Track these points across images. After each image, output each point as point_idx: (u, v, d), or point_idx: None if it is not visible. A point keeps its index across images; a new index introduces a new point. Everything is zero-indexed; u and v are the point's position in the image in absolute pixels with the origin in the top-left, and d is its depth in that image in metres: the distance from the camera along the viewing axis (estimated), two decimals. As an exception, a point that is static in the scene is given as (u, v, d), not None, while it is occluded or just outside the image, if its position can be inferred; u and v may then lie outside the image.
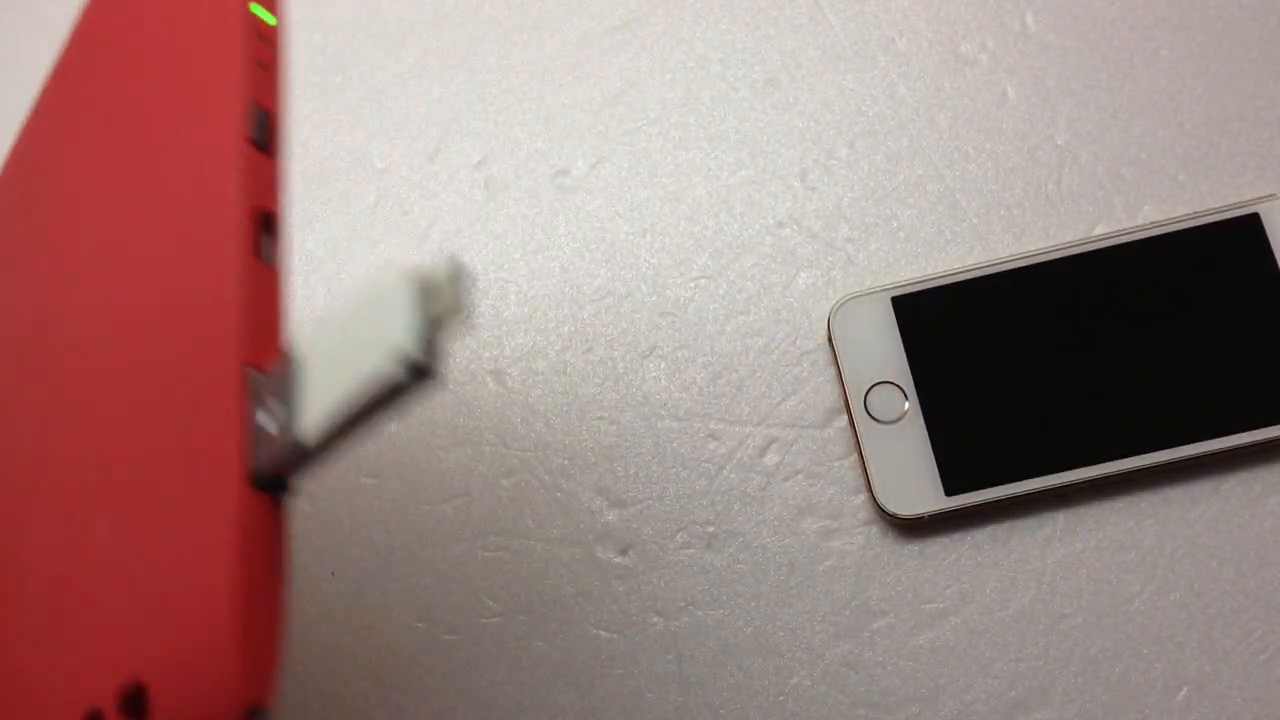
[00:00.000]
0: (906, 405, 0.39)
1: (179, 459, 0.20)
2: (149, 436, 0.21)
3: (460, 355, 0.42)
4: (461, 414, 0.42)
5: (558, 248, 0.43)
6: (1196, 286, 0.39)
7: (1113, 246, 0.40)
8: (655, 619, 0.39)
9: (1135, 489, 0.39)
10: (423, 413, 0.42)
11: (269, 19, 0.23)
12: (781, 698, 0.38)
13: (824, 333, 0.41)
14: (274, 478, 0.19)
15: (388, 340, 0.18)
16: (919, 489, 0.38)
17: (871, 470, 0.39)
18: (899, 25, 0.45)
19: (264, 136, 0.22)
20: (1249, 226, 0.40)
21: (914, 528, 0.39)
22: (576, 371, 0.42)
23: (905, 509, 0.38)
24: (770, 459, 0.40)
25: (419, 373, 0.18)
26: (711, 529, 0.39)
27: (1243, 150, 0.42)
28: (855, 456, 0.40)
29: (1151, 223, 0.40)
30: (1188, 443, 0.38)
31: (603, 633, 0.39)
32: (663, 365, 0.41)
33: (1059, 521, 0.39)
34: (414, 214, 0.44)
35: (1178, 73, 0.44)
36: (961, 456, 0.38)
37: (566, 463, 0.41)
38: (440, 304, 0.18)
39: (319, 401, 0.19)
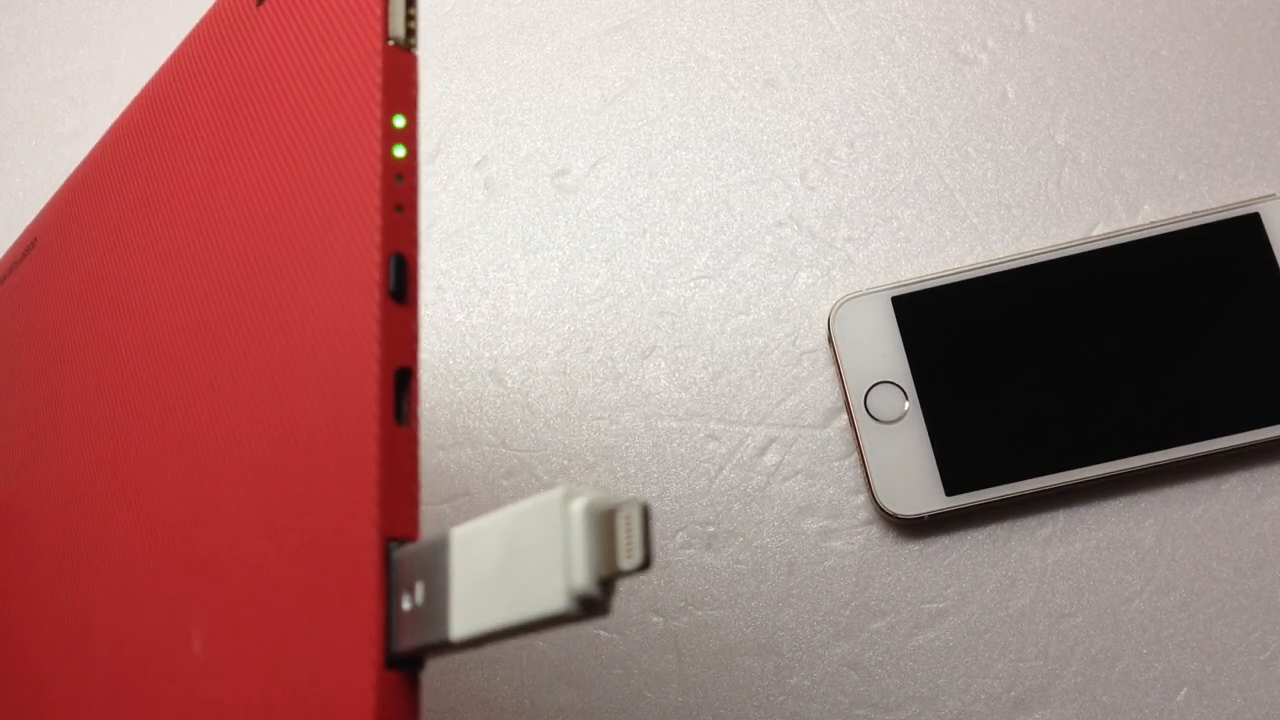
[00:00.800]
0: (907, 405, 0.39)
1: (302, 615, 0.20)
2: (265, 577, 0.21)
3: (460, 355, 0.42)
4: (461, 414, 0.42)
5: (557, 248, 0.43)
6: (1196, 286, 0.39)
7: (1113, 246, 0.40)
8: (655, 619, 0.39)
9: (1135, 489, 0.39)
10: (423, 413, 0.42)
11: (405, 153, 0.22)
12: (781, 698, 0.38)
13: (824, 332, 0.41)
14: (408, 658, 0.19)
15: (565, 577, 0.17)
16: (919, 489, 0.38)
17: (872, 470, 0.39)
18: (899, 25, 0.45)
19: (401, 286, 0.21)
20: (1249, 226, 0.40)
21: (914, 527, 0.39)
22: (576, 371, 0.42)
23: (906, 509, 0.38)
24: (770, 459, 0.40)
25: (592, 611, 0.17)
26: (711, 529, 0.39)
27: (1243, 150, 0.42)
28: (855, 456, 0.40)
29: (1151, 223, 0.40)
30: (1188, 443, 0.38)
31: (603, 633, 0.39)
32: (663, 365, 0.41)
33: (1059, 521, 0.39)
34: (414, 214, 0.44)
35: (1178, 73, 0.43)
36: (962, 456, 0.38)
37: (566, 463, 0.41)
38: (622, 555, 0.17)
39: (474, 607, 0.18)
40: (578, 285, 0.42)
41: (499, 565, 0.18)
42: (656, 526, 0.40)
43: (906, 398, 0.39)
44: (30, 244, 0.34)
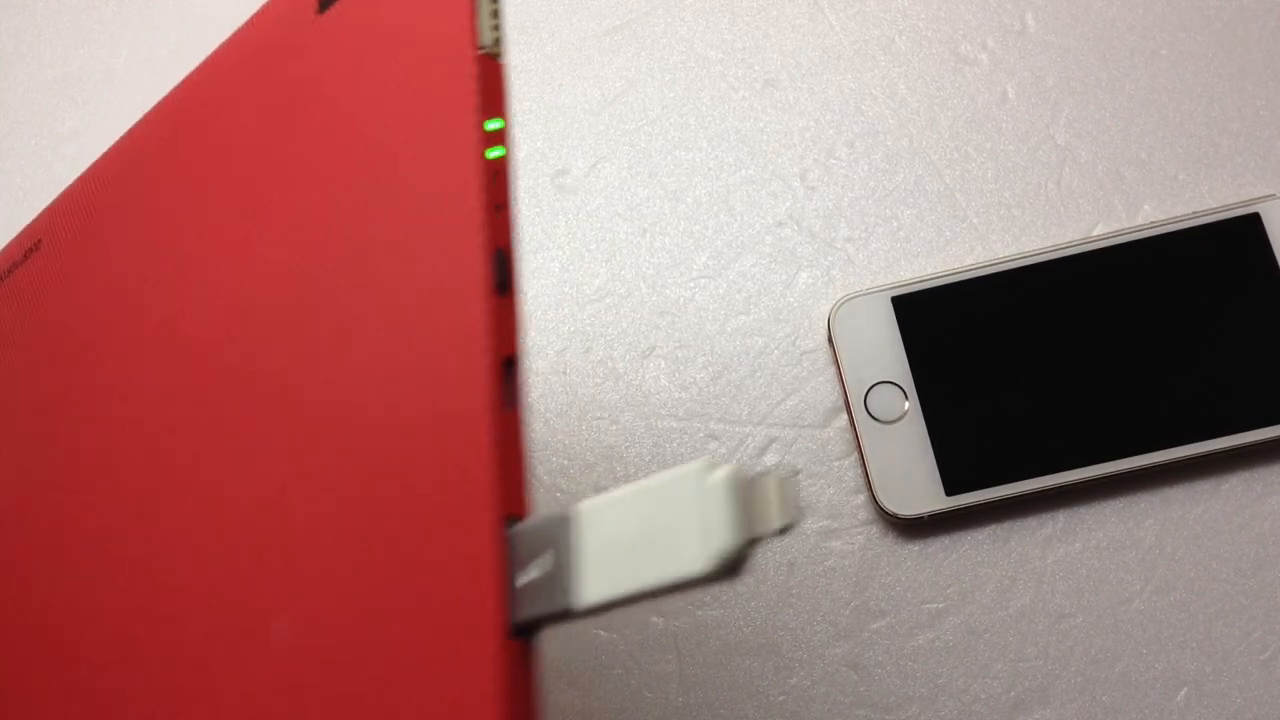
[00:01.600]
0: (907, 405, 0.39)
1: (418, 593, 0.20)
2: (371, 560, 0.21)
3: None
4: (461, 414, 0.41)
5: (558, 248, 0.43)
6: (1196, 286, 0.39)
7: (1113, 246, 0.40)
8: (655, 619, 0.39)
9: (1135, 489, 0.39)
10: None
11: (501, 153, 0.23)
12: (781, 698, 0.38)
13: (824, 332, 0.41)
14: (528, 627, 0.19)
15: (708, 539, 0.18)
16: (920, 489, 0.38)
17: (872, 470, 0.38)
18: (899, 25, 0.45)
19: (505, 279, 0.22)
20: (1249, 226, 0.40)
21: (914, 528, 0.39)
22: (576, 371, 0.42)
23: (906, 509, 0.38)
24: (770, 459, 0.40)
25: (730, 573, 0.18)
26: (711, 529, 0.39)
27: (1243, 150, 0.42)
28: (855, 456, 0.40)
29: (1151, 222, 0.40)
30: (1187, 443, 0.38)
31: (602, 633, 0.39)
32: (663, 365, 0.41)
33: (1059, 521, 0.39)
34: (414, 214, 0.44)
35: (1178, 73, 0.44)
36: (962, 456, 0.38)
37: (566, 463, 0.41)
38: (767, 516, 0.18)
39: (605, 575, 0.19)
40: (578, 285, 0.42)
41: (633, 534, 0.19)
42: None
43: (906, 398, 0.39)
44: (34, 245, 0.34)
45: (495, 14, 0.25)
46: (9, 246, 0.35)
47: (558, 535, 0.19)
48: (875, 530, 0.39)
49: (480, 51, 0.24)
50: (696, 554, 0.18)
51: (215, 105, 0.30)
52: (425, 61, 0.26)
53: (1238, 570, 0.38)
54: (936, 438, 0.38)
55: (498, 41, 0.25)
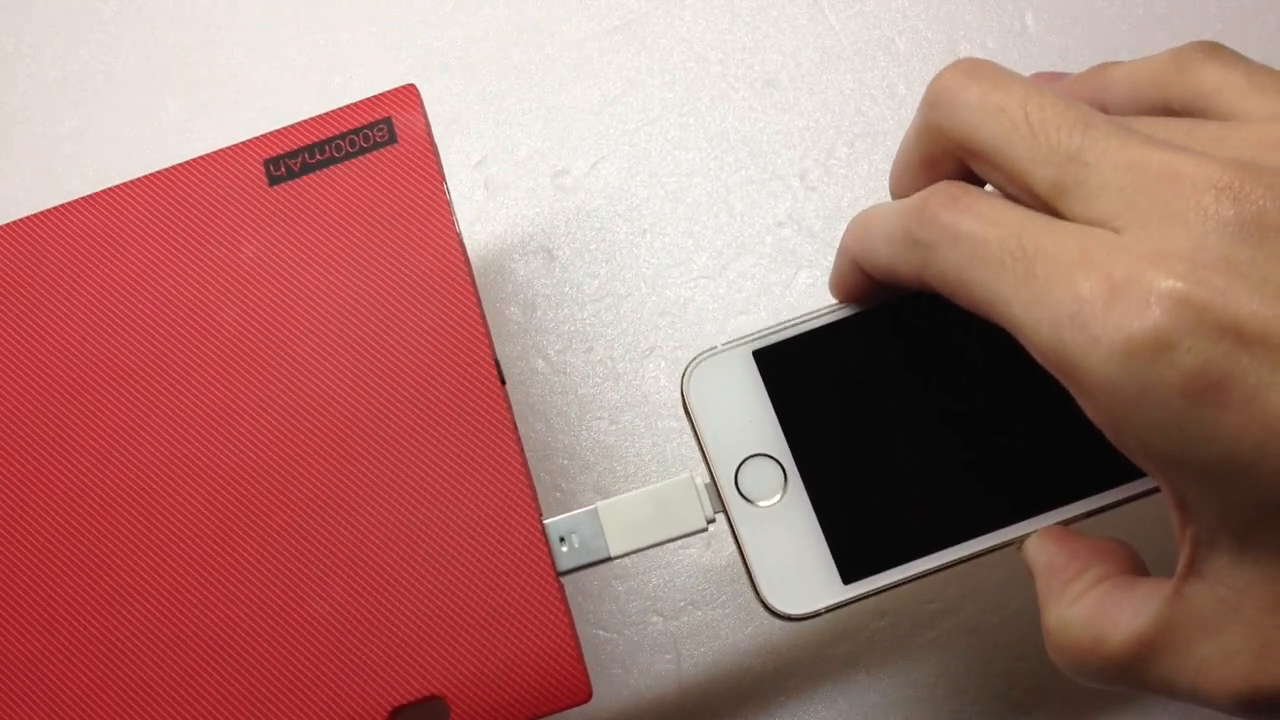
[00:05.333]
0: (786, 481, 0.32)
1: (483, 548, 0.32)
2: (455, 554, 0.32)
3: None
4: (461, 414, 0.42)
5: (558, 248, 0.43)
6: None
7: None
8: (655, 619, 0.39)
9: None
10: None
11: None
12: (781, 698, 0.38)
13: (681, 390, 0.34)
14: (565, 574, 0.32)
15: (697, 510, 0.33)
16: (811, 580, 0.31)
17: (752, 563, 0.31)
18: (899, 25, 0.45)
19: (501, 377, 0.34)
20: None
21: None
22: (576, 371, 0.42)
23: (796, 606, 0.31)
24: (770, 459, 0.40)
25: (708, 524, 0.33)
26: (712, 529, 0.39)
27: (1243, 150, 0.43)
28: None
29: None
30: (1122, 484, 0.31)
31: (602, 633, 0.39)
32: (663, 365, 0.41)
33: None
34: (414, 214, 0.44)
35: (1178, 73, 0.44)
36: (858, 536, 0.31)
37: (566, 463, 0.41)
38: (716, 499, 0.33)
39: (629, 536, 0.33)
40: (578, 285, 0.43)
41: (645, 514, 0.33)
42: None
43: (785, 472, 0.32)
44: None
45: None
46: None
47: (585, 520, 0.33)
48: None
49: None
50: (697, 517, 0.33)
51: (188, 267, 0.34)
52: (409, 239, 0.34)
53: (1238, 570, 0.38)
54: (825, 518, 0.32)
55: None
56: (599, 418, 0.41)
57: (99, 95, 0.45)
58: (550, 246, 0.43)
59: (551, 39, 0.45)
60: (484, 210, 0.43)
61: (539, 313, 0.42)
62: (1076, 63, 0.44)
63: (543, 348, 0.42)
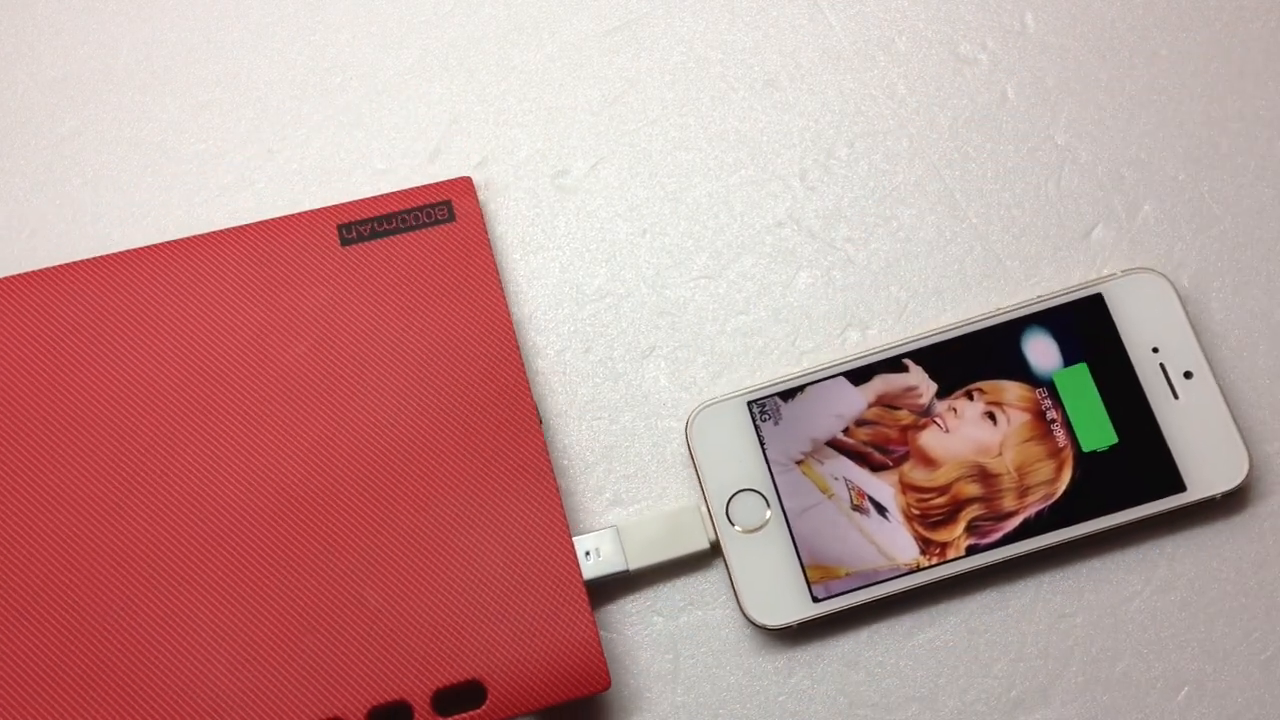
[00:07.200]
0: (768, 513, 0.38)
1: (522, 559, 0.37)
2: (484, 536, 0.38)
3: (460, 355, 0.42)
4: (461, 414, 0.41)
5: (557, 248, 0.43)
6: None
7: (971, 333, 0.39)
8: (655, 619, 0.39)
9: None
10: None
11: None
12: (781, 698, 0.38)
13: (685, 432, 0.40)
14: (596, 582, 0.38)
15: (701, 534, 0.38)
16: (786, 597, 0.37)
17: (737, 581, 0.38)
18: (899, 25, 0.45)
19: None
20: (1095, 306, 0.39)
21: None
22: (576, 371, 0.42)
23: (772, 620, 0.37)
24: (770, 459, 0.40)
25: (714, 550, 0.39)
26: (711, 529, 0.39)
27: (1243, 150, 0.43)
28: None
29: (998, 309, 0.40)
30: (1105, 514, 0.38)
31: (603, 632, 0.39)
32: (663, 365, 0.41)
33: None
34: (414, 214, 0.44)
35: (1178, 73, 0.44)
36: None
37: (566, 463, 0.41)
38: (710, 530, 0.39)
39: (643, 553, 0.38)
40: (578, 285, 0.42)
41: (658, 534, 0.38)
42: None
43: (768, 505, 0.38)
44: None
45: None
46: None
47: (608, 538, 0.38)
48: (875, 530, 0.39)
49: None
50: (701, 539, 0.38)
51: (248, 321, 0.40)
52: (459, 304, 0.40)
53: (1238, 570, 0.38)
54: (801, 543, 0.38)
55: None
56: (599, 418, 0.41)
57: (99, 95, 0.45)
58: (550, 247, 0.43)
59: (551, 39, 0.45)
60: (484, 210, 0.43)
61: (539, 313, 0.42)
62: (1076, 63, 0.44)
63: (542, 348, 0.42)
